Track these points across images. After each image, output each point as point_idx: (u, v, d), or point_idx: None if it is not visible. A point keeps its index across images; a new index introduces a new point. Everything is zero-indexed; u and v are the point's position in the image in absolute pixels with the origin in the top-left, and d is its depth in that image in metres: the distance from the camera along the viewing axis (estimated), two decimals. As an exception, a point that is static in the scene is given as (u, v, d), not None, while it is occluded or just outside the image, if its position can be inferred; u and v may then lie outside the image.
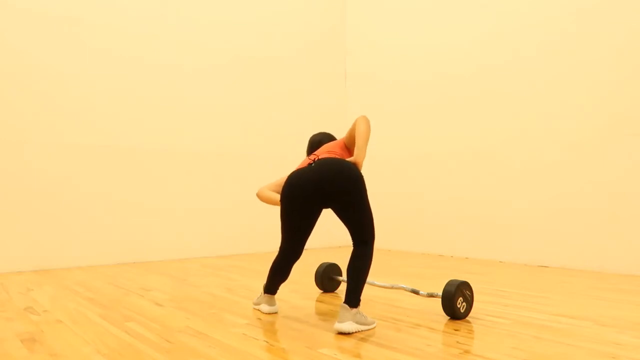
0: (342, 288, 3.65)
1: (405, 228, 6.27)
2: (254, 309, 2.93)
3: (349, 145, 2.80)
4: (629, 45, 4.34)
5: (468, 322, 2.63)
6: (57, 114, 4.77)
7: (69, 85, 4.84)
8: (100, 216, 4.97)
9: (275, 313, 2.83)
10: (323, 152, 2.74)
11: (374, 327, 2.51)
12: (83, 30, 4.93)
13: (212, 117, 5.84)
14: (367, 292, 3.47)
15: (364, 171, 6.74)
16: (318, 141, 3.02)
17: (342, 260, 5.33)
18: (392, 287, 3.00)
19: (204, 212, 5.73)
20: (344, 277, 3.75)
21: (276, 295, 3.35)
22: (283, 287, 3.67)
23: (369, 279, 3.73)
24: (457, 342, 2.25)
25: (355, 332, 2.40)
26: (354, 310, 2.40)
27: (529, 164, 5.00)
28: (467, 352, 2.09)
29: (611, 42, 4.45)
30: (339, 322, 2.39)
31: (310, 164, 2.60)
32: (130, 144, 5.20)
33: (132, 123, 5.22)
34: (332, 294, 3.45)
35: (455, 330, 2.46)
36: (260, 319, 2.69)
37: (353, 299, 2.41)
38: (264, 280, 4.01)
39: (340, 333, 2.39)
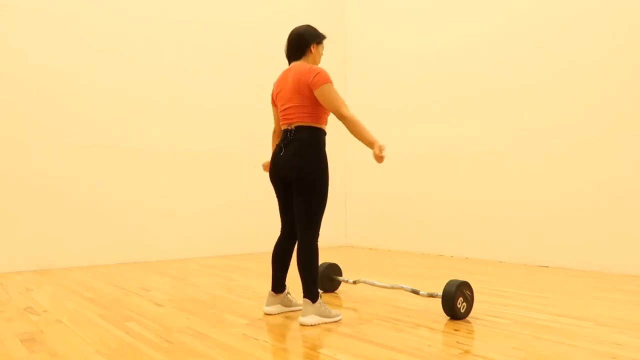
0: (343, 288, 3.65)
1: (405, 228, 6.26)
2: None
3: (315, 96, 2.62)
4: (631, 45, 4.34)
5: (468, 322, 2.62)
6: (57, 114, 4.77)
7: (68, 85, 4.84)
8: (100, 216, 4.97)
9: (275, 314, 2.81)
10: (287, 96, 2.67)
11: (339, 320, 2.63)
12: (83, 30, 4.93)
13: (212, 117, 5.84)
14: (367, 292, 3.47)
15: (360, 170, 6.74)
16: (288, 52, 2.81)
17: (342, 261, 5.32)
18: (392, 287, 3.00)
19: (204, 212, 5.72)
20: (345, 277, 3.76)
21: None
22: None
23: (369, 279, 3.73)
24: (457, 342, 2.25)
25: (318, 324, 2.54)
26: (316, 303, 2.54)
27: (529, 164, 4.99)
28: (467, 352, 2.09)
29: (613, 42, 4.45)
30: (302, 316, 2.54)
31: (280, 147, 2.73)
32: (130, 144, 5.20)
33: (132, 123, 5.22)
34: (333, 293, 3.45)
35: (455, 330, 2.46)
36: (260, 319, 2.69)
37: (309, 293, 2.54)
38: (263, 280, 4.01)
39: (303, 325, 2.53)
